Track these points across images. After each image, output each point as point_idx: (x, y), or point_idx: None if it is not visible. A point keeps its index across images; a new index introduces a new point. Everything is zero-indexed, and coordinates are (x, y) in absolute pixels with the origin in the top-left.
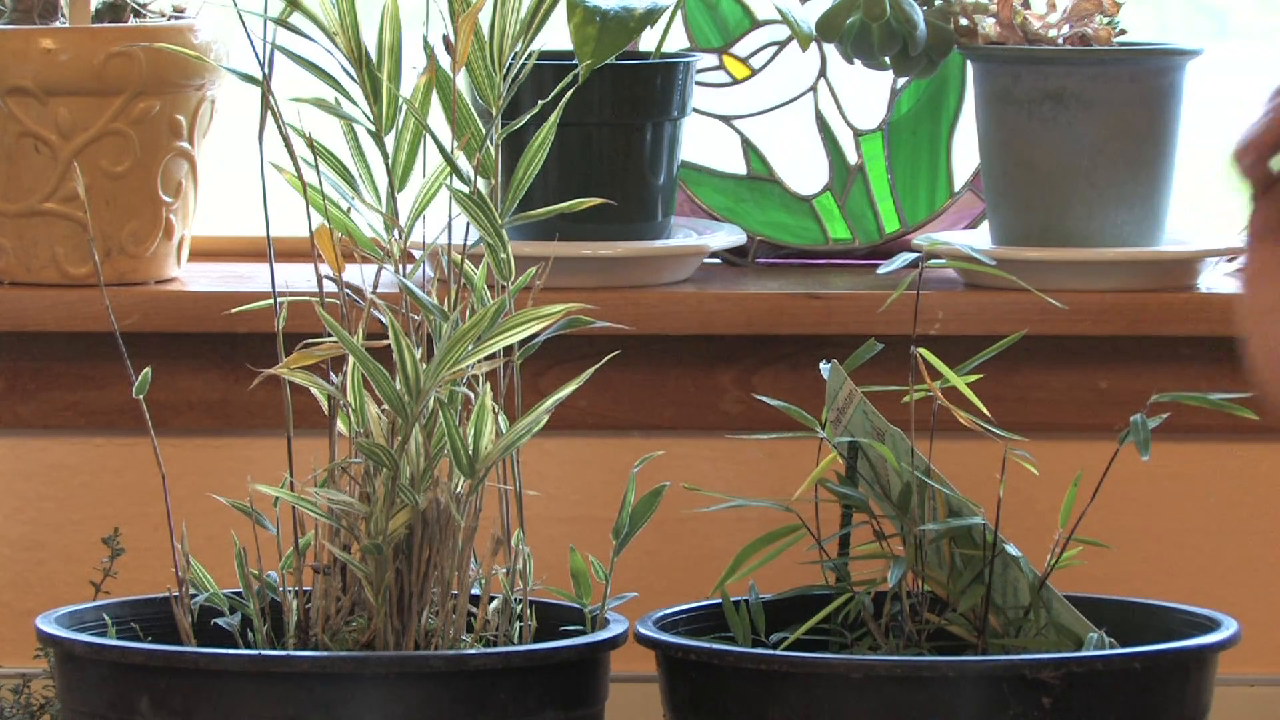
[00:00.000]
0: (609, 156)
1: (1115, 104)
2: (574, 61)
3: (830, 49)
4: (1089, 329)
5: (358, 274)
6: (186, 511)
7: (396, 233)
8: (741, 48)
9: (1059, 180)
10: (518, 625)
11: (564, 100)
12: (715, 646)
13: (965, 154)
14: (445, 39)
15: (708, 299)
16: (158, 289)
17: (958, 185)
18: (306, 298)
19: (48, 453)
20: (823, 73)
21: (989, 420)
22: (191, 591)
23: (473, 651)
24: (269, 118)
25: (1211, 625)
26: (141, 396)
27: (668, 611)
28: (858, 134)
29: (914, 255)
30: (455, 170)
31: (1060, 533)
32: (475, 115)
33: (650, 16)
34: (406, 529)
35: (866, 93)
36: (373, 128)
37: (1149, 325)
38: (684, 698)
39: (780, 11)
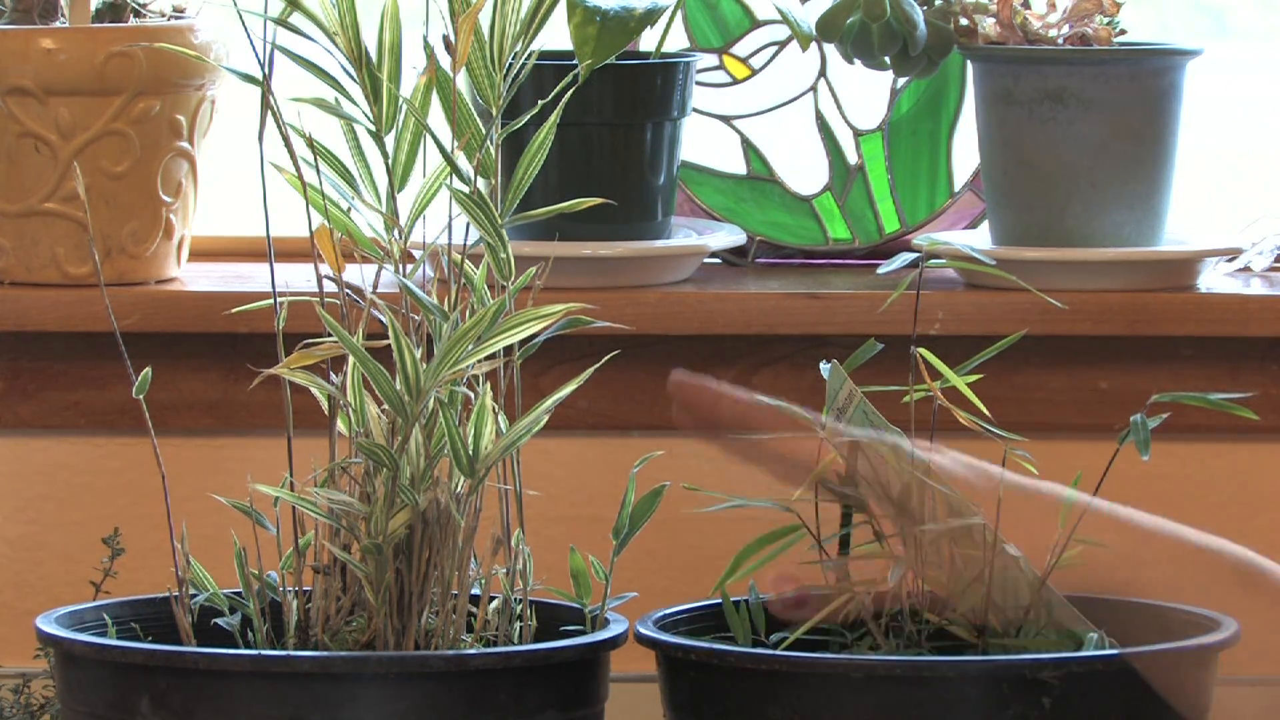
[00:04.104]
0: (609, 156)
1: (1115, 104)
2: (574, 61)
3: (830, 49)
4: (1089, 329)
5: (358, 274)
6: (186, 511)
7: (396, 233)
8: (741, 48)
9: (1059, 180)
10: (518, 625)
11: (564, 100)
12: (715, 646)
13: (965, 154)
14: (445, 39)
15: (708, 299)
16: (158, 289)
17: (958, 185)
18: (306, 298)
19: (48, 453)
20: (823, 73)
21: (989, 420)
22: (191, 591)
23: (473, 651)
24: (269, 118)
25: (1211, 625)
26: (141, 396)
27: (668, 611)
28: (858, 134)
29: (914, 255)
30: (455, 170)
31: (1060, 533)
32: (475, 115)
33: (650, 16)
34: (406, 529)
35: (866, 93)
36: (373, 128)
37: (1149, 325)
38: (684, 698)
39: (780, 11)
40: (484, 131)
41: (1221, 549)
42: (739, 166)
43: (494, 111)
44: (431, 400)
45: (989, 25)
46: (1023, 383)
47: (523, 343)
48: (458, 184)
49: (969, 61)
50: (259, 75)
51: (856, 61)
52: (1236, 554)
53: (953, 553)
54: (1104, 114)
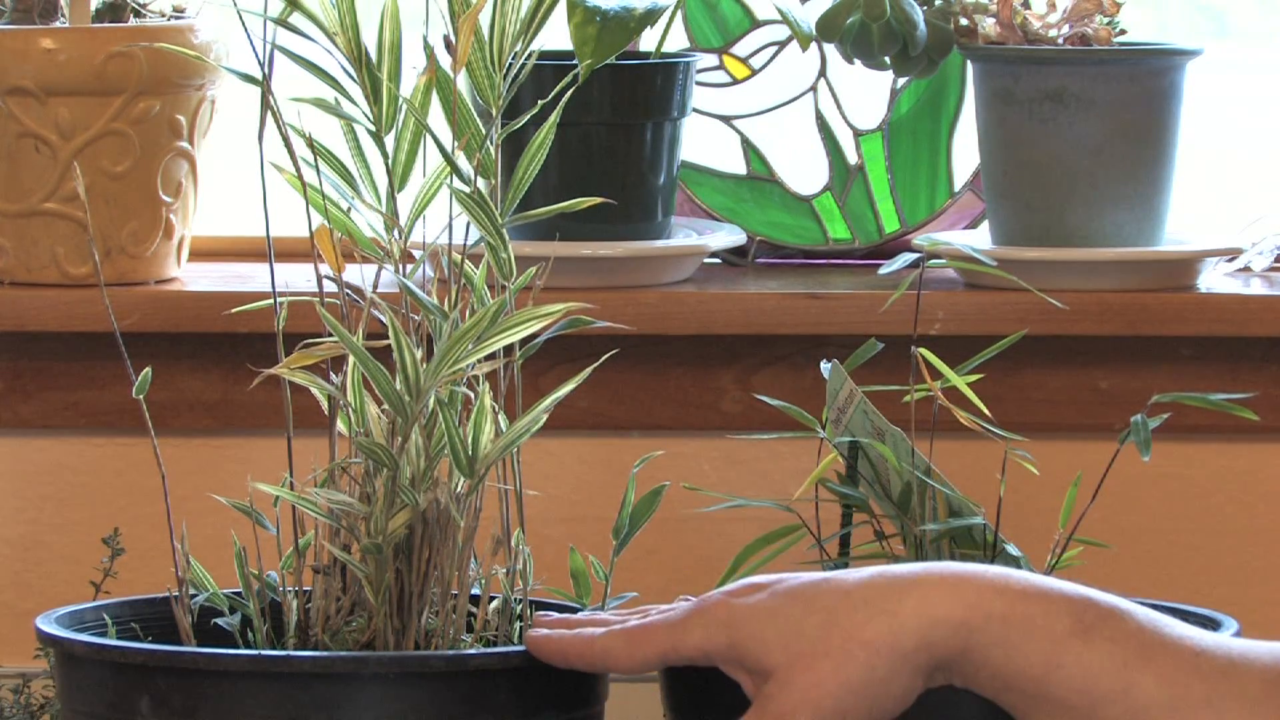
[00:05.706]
0: (609, 156)
1: (1115, 104)
2: (574, 61)
3: (830, 49)
4: (1089, 329)
5: (358, 274)
6: (186, 511)
7: (396, 233)
8: (741, 48)
9: (1059, 180)
10: (518, 625)
11: (564, 100)
12: None
13: (965, 154)
14: (446, 39)
15: (708, 299)
16: (158, 289)
17: (958, 185)
18: (307, 298)
19: (48, 453)
20: (823, 73)
21: (989, 420)
22: (191, 591)
23: (473, 651)
24: (269, 118)
25: (1211, 625)
26: (141, 396)
27: None
28: (858, 134)
29: (914, 255)
30: (456, 170)
31: (1060, 533)
32: (475, 115)
33: (650, 16)
34: (406, 529)
35: (866, 93)
36: (373, 128)
37: (1149, 325)
38: (684, 697)
39: (780, 11)
40: (484, 131)
41: (1055, 589)
42: (739, 166)
43: (494, 111)
44: (431, 400)
45: (989, 25)
46: (1023, 383)
47: (523, 342)
48: (458, 184)
49: (969, 61)
50: (259, 75)
51: (856, 61)
52: (1072, 594)
53: (953, 553)
54: (1104, 114)
